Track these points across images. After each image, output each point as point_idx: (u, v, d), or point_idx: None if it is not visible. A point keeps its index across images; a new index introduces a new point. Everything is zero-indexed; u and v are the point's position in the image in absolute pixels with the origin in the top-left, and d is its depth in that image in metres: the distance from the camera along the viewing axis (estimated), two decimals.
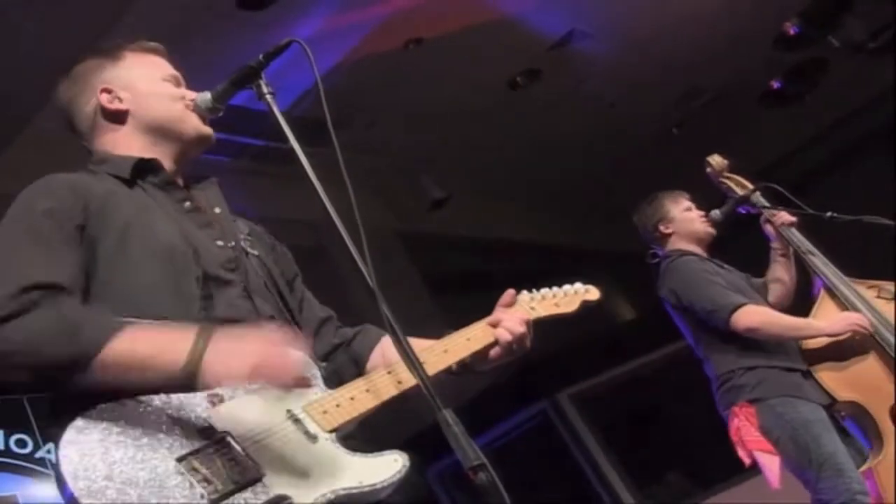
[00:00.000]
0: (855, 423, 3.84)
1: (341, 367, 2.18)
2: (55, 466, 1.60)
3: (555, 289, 2.41)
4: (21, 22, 4.92)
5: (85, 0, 4.99)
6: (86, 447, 1.61)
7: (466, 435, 1.61)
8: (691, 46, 7.41)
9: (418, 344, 2.09)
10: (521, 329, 2.15)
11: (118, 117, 2.14)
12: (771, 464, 3.66)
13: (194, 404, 1.73)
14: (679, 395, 6.31)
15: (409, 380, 1.89)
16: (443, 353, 2.08)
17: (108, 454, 1.61)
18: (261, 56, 2.02)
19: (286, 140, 1.91)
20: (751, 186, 4.28)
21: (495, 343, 2.14)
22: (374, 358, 2.20)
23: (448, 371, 2.08)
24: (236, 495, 1.62)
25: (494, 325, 2.17)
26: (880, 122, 8.68)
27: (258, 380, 1.73)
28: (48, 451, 4.85)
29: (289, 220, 5.98)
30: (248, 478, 1.64)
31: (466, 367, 2.14)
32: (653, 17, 6.98)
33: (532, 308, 2.29)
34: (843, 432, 3.80)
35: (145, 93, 2.15)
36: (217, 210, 2.13)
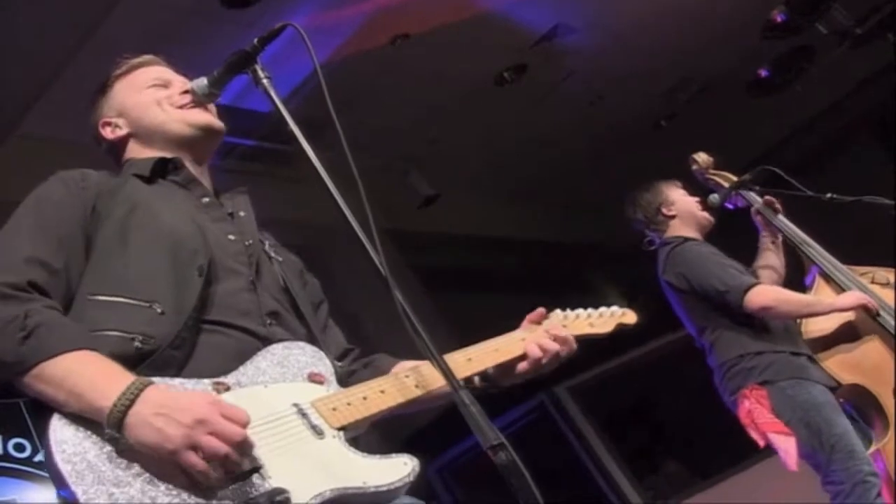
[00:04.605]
0: (855, 408, 3.84)
1: (358, 377, 2.08)
2: (48, 459, 1.56)
3: (590, 310, 2.36)
4: (3, 23, 4.88)
5: (68, 2, 4.95)
6: (78, 441, 1.58)
7: (484, 414, 1.56)
8: (678, 38, 7.40)
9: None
10: (554, 347, 2.06)
11: (125, 141, 2.21)
12: (787, 445, 3.62)
13: (198, 391, 1.70)
14: (677, 385, 6.31)
15: (429, 384, 1.84)
16: (466, 360, 1.99)
17: (104, 445, 1.59)
18: (255, 40, 2.00)
19: (275, 138, 1.88)
20: (737, 180, 4.27)
21: (523, 357, 2.05)
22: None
23: (470, 382, 1.98)
24: (233, 484, 1.59)
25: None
26: (869, 108, 8.70)
27: (195, 442, 1.55)
28: None
29: (277, 220, 5.92)
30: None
31: (490, 381, 2.07)
32: (638, 9, 6.97)
33: (564, 326, 2.21)
34: (848, 416, 3.79)
35: (131, 108, 2.21)
36: (242, 213, 2.13)
